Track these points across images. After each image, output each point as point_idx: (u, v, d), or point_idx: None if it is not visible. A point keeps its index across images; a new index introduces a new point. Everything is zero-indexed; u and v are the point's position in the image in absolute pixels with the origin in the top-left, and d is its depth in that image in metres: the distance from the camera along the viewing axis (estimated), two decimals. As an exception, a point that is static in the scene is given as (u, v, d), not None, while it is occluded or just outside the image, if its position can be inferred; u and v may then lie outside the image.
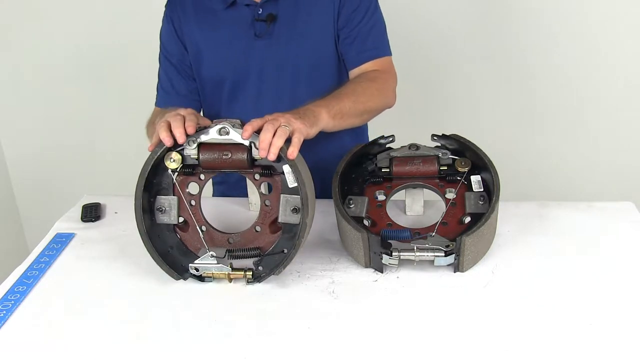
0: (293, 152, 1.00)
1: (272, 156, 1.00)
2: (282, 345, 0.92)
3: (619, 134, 2.02)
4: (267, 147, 0.99)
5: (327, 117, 1.13)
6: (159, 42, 1.41)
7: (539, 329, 0.93)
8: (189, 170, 1.09)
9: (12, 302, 1.04)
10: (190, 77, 1.37)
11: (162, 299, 1.04)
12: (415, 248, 1.04)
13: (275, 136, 0.99)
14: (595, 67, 1.93)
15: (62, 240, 1.22)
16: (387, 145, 1.22)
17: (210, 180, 1.49)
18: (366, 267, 1.09)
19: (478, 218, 1.06)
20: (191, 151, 1.06)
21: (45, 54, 2.09)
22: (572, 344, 0.89)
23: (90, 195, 1.38)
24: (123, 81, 2.10)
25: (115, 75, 2.10)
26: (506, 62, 1.97)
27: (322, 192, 1.19)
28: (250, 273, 1.05)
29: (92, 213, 1.30)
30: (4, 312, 1.01)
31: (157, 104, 1.41)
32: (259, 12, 1.28)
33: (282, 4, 1.28)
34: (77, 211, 1.32)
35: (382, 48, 1.33)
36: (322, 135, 1.19)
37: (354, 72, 1.32)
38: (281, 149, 1.01)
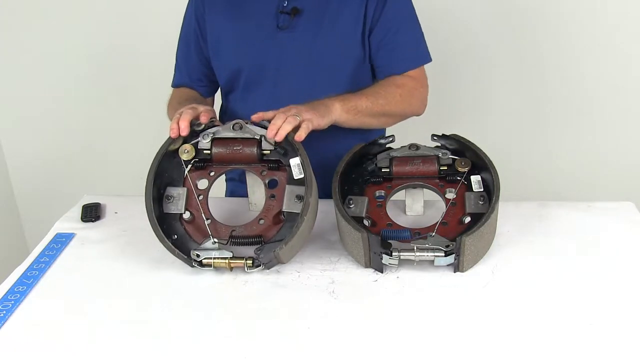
0: (300, 135, 1.06)
1: (279, 137, 1.05)
2: (282, 345, 0.92)
3: (619, 134, 2.02)
4: (275, 130, 1.05)
5: (340, 110, 1.17)
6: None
7: (539, 329, 0.93)
8: (200, 164, 1.14)
9: (12, 302, 1.04)
10: (205, 62, 1.38)
11: (162, 299, 1.04)
12: (415, 248, 1.04)
13: (285, 122, 1.06)
14: (594, 68, 1.93)
15: (62, 240, 1.22)
16: (387, 145, 1.22)
17: (224, 179, 1.52)
18: (366, 267, 1.09)
19: (478, 218, 1.06)
20: (205, 144, 1.13)
21: (46, 55, 2.08)
22: (572, 344, 0.89)
23: (90, 195, 1.37)
24: (123, 82, 2.10)
25: (116, 76, 2.10)
26: (506, 62, 1.97)
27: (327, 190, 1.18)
28: (251, 261, 1.06)
29: (92, 213, 1.30)
30: (4, 312, 1.01)
31: (172, 84, 1.45)
32: (284, 5, 1.28)
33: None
34: (77, 211, 1.32)
35: (422, 56, 1.34)
36: (338, 135, 1.21)
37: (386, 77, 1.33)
38: (288, 134, 1.06)
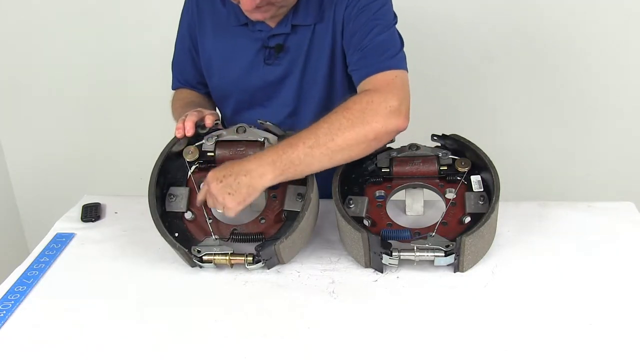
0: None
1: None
2: (282, 345, 0.92)
3: (619, 134, 2.02)
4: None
5: (272, 175, 1.04)
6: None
7: (539, 328, 0.93)
8: (204, 166, 1.16)
9: (12, 302, 1.04)
10: (201, 73, 1.37)
11: (161, 300, 1.04)
12: (415, 248, 1.04)
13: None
14: (595, 68, 1.93)
15: (62, 240, 1.22)
16: (387, 145, 1.22)
17: None
18: (366, 267, 1.09)
19: (478, 218, 1.06)
20: (209, 146, 1.15)
21: (45, 56, 2.09)
22: (572, 344, 0.89)
23: (90, 195, 1.38)
24: (123, 82, 2.10)
25: (116, 77, 2.10)
26: (506, 62, 1.97)
27: (327, 190, 1.17)
28: (251, 257, 1.06)
29: (92, 213, 1.30)
30: (4, 312, 1.01)
31: (173, 87, 1.43)
32: (269, 40, 1.24)
33: (295, 36, 1.23)
34: (77, 211, 1.32)
35: (379, 64, 1.12)
36: None
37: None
38: None
